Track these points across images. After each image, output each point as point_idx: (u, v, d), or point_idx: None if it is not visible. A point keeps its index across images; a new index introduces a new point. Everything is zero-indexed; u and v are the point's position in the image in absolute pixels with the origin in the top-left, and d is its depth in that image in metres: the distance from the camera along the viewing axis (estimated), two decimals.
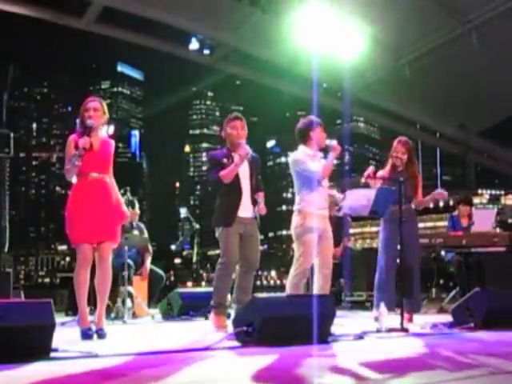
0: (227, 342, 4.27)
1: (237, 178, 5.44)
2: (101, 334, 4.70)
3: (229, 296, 5.94)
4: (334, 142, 5.47)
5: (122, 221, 4.99)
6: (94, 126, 4.74)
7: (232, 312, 5.81)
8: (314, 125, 5.58)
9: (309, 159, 5.50)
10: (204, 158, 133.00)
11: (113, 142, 4.99)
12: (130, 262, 7.18)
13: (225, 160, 5.47)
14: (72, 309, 7.03)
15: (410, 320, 5.73)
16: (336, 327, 4.55)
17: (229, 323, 5.26)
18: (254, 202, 5.48)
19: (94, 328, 4.74)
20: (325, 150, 5.62)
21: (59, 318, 4.37)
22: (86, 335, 4.63)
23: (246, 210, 5.45)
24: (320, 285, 5.43)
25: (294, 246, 5.49)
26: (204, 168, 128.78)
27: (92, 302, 6.63)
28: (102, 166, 4.79)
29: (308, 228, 5.37)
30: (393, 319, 5.08)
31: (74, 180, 4.82)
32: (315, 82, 13.66)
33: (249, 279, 5.52)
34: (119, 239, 5.00)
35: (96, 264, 4.83)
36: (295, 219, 5.50)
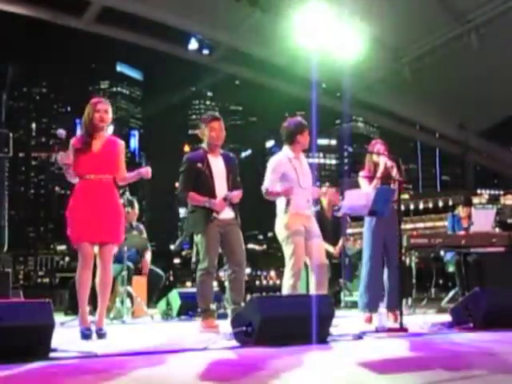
0: (226, 342, 4.27)
1: (210, 181, 5.38)
2: (100, 334, 4.70)
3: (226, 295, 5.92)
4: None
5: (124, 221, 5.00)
6: (62, 137, 4.70)
7: (228, 312, 5.80)
8: (302, 129, 5.55)
9: (286, 165, 5.46)
10: None
11: (118, 141, 4.92)
12: (130, 263, 7.17)
13: (199, 165, 5.40)
14: (71, 308, 7.03)
15: (396, 319, 5.64)
16: (332, 328, 4.54)
17: (223, 323, 5.26)
18: (232, 203, 5.43)
19: (93, 328, 4.74)
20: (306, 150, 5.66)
21: (58, 318, 4.36)
22: (85, 335, 4.64)
23: (223, 211, 5.39)
24: (317, 282, 5.40)
25: (283, 247, 5.46)
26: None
27: (92, 302, 6.66)
28: (102, 167, 4.76)
29: (292, 229, 5.36)
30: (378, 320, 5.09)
31: (74, 181, 4.81)
32: (314, 82, 13.69)
33: (240, 279, 5.46)
34: (121, 240, 5.00)
35: (97, 265, 4.83)
36: (278, 221, 5.48)
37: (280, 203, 5.49)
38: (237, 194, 5.42)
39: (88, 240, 4.72)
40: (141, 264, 7.67)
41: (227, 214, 5.41)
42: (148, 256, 7.79)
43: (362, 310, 6.10)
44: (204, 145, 5.55)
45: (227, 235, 5.41)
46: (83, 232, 4.69)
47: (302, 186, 5.45)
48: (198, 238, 5.45)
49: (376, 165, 6.18)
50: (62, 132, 4.71)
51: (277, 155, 5.59)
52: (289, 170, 5.45)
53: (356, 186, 6.31)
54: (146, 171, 4.91)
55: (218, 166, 5.46)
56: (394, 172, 5.98)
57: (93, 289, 4.91)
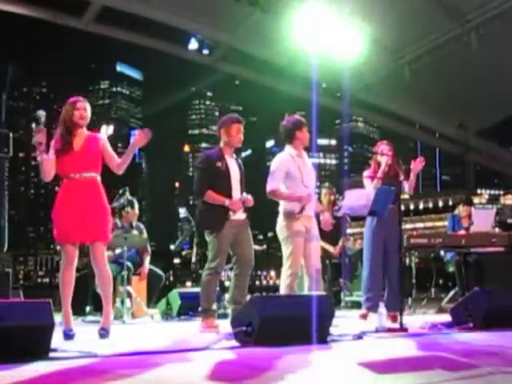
0: (226, 342, 4.27)
1: (228, 180, 5.40)
2: (103, 334, 4.70)
3: (226, 296, 5.92)
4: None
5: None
6: (42, 119, 4.64)
7: (229, 312, 5.80)
8: (301, 125, 5.58)
9: (291, 164, 5.48)
10: None
11: (98, 136, 4.90)
12: (129, 263, 7.17)
13: (218, 164, 5.42)
14: (72, 308, 7.01)
15: (395, 319, 5.63)
16: (332, 328, 4.55)
17: (223, 323, 5.26)
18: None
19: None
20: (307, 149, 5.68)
21: (58, 318, 4.36)
22: (68, 336, 4.61)
23: (238, 212, 5.40)
24: (311, 285, 5.41)
25: (282, 247, 5.47)
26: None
27: (92, 302, 6.67)
28: (85, 165, 4.74)
29: (293, 230, 5.37)
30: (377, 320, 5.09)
31: (48, 178, 4.74)
32: (314, 82, 13.70)
33: (245, 279, 5.48)
34: (109, 238, 4.97)
35: (92, 265, 4.82)
36: (280, 220, 5.48)
37: (285, 203, 5.49)
38: (251, 198, 5.44)
39: (74, 241, 4.70)
40: (140, 269, 7.66)
41: (240, 214, 5.43)
42: (147, 260, 7.79)
43: (363, 308, 6.11)
44: (221, 145, 5.55)
45: (239, 236, 5.41)
46: (69, 233, 4.67)
47: (306, 184, 5.47)
48: (209, 237, 5.41)
49: (380, 165, 6.21)
50: (41, 113, 4.69)
51: (280, 154, 5.60)
52: (292, 169, 5.46)
53: (356, 185, 6.31)
54: (139, 135, 4.89)
55: (233, 168, 5.49)
56: (401, 174, 6.02)
57: (92, 290, 4.90)
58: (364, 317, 6.03)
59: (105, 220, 4.83)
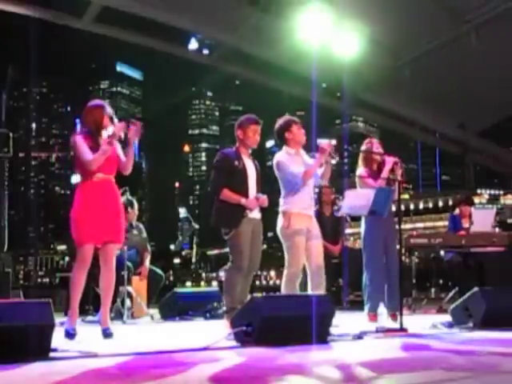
0: (226, 341, 4.27)
1: (245, 180, 5.40)
2: (108, 334, 4.71)
3: None
4: (323, 142, 5.42)
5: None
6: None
7: None
8: (288, 125, 5.58)
9: (291, 160, 5.49)
10: (203, 158, 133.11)
11: (116, 142, 4.95)
12: (129, 263, 7.17)
13: (236, 163, 5.41)
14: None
15: (395, 318, 5.60)
16: (332, 328, 4.54)
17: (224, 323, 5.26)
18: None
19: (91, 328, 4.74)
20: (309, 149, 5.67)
21: (58, 318, 4.36)
22: (70, 334, 4.62)
23: (254, 210, 5.41)
24: (314, 283, 5.42)
25: (283, 247, 5.48)
26: (204, 168, 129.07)
27: (92, 302, 6.66)
28: (109, 167, 4.81)
29: (294, 229, 5.37)
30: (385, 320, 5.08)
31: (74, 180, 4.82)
32: (314, 82, 13.70)
33: (249, 280, 5.49)
34: (123, 239, 5.02)
35: (101, 264, 4.85)
36: (280, 221, 5.48)
37: (282, 204, 5.49)
38: (265, 198, 5.42)
39: (94, 241, 4.73)
40: (140, 269, 7.66)
41: (256, 213, 5.42)
42: (147, 260, 7.79)
43: (368, 310, 6.06)
44: (237, 145, 5.53)
45: (253, 239, 5.39)
46: (91, 234, 4.69)
47: (307, 183, 5.47)
48: (228, 236, 5.36)
49: (379, 164, 6.13)
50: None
51: (278, 153, 5.62)
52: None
53: (356, 185, 6.26)
54: (133, 130, 4.90)
55: (251, 168, 5.49)
56: (399, 173, 5.97)
57: (93, 290, 4.90)
58: (373, 319, 5.96)
59: (122, 221, 4.94)
